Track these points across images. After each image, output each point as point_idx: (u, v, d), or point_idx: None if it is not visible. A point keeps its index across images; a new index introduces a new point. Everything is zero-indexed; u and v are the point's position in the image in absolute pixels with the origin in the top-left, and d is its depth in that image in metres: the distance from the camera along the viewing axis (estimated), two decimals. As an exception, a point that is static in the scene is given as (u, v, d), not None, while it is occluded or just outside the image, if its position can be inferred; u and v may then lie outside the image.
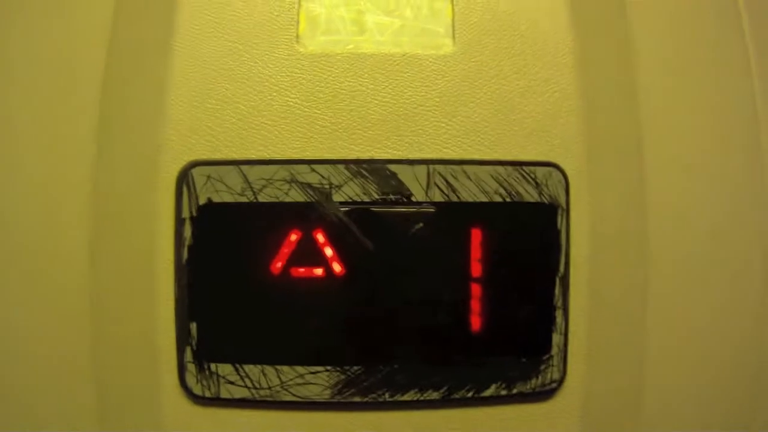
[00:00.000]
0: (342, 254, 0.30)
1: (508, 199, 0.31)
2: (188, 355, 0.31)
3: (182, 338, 0.31)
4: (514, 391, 0.31)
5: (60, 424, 0.32)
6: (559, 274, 0.31)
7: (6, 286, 0.32)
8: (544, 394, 0.31)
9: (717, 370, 0.33)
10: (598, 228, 0.31)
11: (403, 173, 0.30)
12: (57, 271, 0.32)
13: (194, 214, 0.30)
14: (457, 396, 0.31)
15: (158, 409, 0.31)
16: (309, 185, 0.30)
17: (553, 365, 0.31)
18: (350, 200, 0.30)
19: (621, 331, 0.32)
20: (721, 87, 0.34)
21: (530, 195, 0.30)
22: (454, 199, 0.30)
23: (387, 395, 0.31)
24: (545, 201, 0.31)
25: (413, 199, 0.30)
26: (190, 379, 0.31)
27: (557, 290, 0.31)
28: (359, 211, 0.30)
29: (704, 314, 0.33)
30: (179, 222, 0.31)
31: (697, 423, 0.34)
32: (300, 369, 0.31)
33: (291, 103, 0.31)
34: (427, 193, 0.30)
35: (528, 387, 0.31)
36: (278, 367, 0.31)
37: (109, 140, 0.32)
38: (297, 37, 0.31)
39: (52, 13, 0.33)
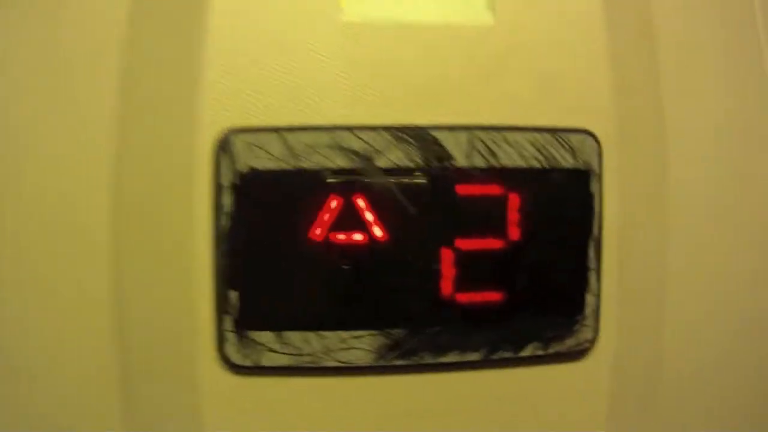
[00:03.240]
0: (383, 219, 0.31)
1: (545, 165, 0.32)
2: (227, 324, 0.31)
3: (222, 307, 0.30)
4: (550, 350, 0.32)
5: (91, 393, 0.32)
6: (593, 237, 0.32)
7: (43, 248, 0.31)
8: (578, 353, 0.32)
9: (740, 332, 0.35)
10: (626, 192, 0.33)
11: (446, 139, 0.31)
12: (88, 241, 0.31)
13: (235, 181, 0.30)
14: (495, 357, 0.32)
15: (196, 380, 0.31)
16: (353, 151, 0.30)
17: (586, 325, 0.32)
18: (393, 165, 0.31)
19: (645, 293, 0.34)
20: (735, 53, 0.36)
21: (566, 160, 0.32)
22: (495, 164, 0.31)
23: (429, 357, 0.31)
24: (580, 166, 0.32)
25: (455, 164, 0.31)
26: (230, 349, 0.31)
27: (591, 253, 0.32)
28: (402, 176, 0.31)
29: (729, 277, 0.35)
30: (218, 190, 0.30)
31: (720, 383, 0.36)
32: (343, 334, 0.31)
33: (333, 71, 0.31)
34: (468, 158, 0.31)
35: (563, 347, 0.32)
36: (321, 332, 0.31)
37: (143, 107, 0.31)
38: (339, 6, 0.31)
39: None
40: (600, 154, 0.32)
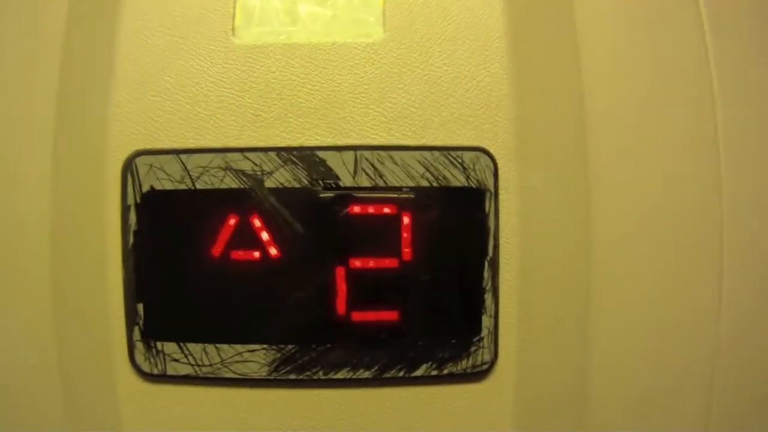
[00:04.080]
0: (277, 238, 0.31)
1: (435, 184, 0.31)
2: (136, 334, 0.33)
3: (131, 318, 0.32)
4: (445, 371, 0.32)
5: (25, 401, 0.35)
6: (488, 257, 0.31)
7: None
8: (476, 375, 0.32)
9: (657, 346, 0.33)
10: (529, 213, 0.31)
11: (331, 159, 0.31)
12: (18, 260, 0.34)
13: (138, 201, 0.32)
14: (388, 375, 0.32)
15: (113, 386, 0.33)
16: (243, 172, 0.31)
17: (483, 347, 0.32)
18: (281, 186, 0.31)
19: (555, 314, 0.33)
20: (668, 66, 0.34)
21: (457, 179, 0.31)
22: (381, 183, 0.31)
23: (321, 373, 0.32)
24: (473, 185, 0.31)
25: (341, 184, 0.31)
26: (139, 357, 0.33)
27: (486, 273, 0.31)
28: (290, 197, 0.31)
29: (648, 292, 0.33)
30: (125, 209, 0.32)
31: (645, 402, 0.34)
32: (238, 347, 0.32)
33: (226, 94, 0.32)
34: (354, 178, 0.31)
35: (459, 368, 0.32)
36: (218, 345, 0.32)
37: (64, 134, 0.34)
38: (233, 29, 0.32)
39: (11, 13, 0.35)
40: (496, 174, 0.31)
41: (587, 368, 0.33)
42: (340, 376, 0.32)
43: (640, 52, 0.33)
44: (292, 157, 0.31)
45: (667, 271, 0.33)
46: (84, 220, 0.33)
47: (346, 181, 0.31)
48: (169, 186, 0.32)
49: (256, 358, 0.32)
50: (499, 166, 0.31)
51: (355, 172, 0.31)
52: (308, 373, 0.32)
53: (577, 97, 0.33)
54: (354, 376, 0.32)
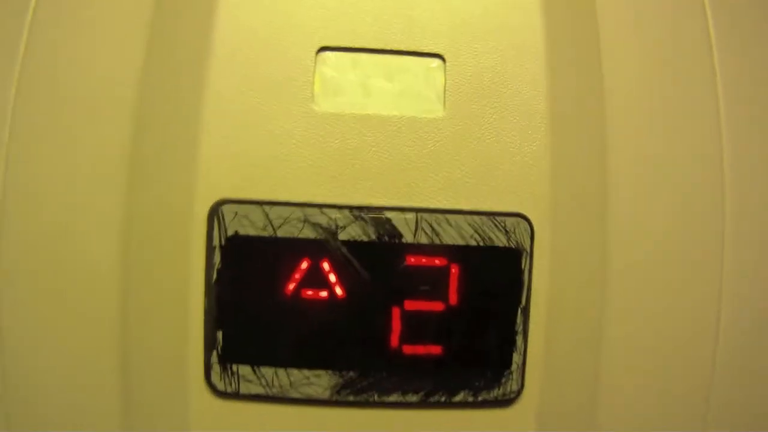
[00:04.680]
0: (343, 281, 0.37)
1: (481, 243, 0.37)
2: (214, 357, 0.38)
3: (210, 343, 0.37)
4: (480, 398, 0.38)
5: (92, 420, 0.39)
6: (521, 306, 0.37)
7: (55, 307, 0.39)
8: (505, 402, 0.38)
9: (671, 385, 0.39)
10: (557, 269, 0.37)
11: (396, 218, 0.37)
12: (95, 291, 0.38)
13: (223, 243, 0.37)
14: (432, 400, 0.38)
15: (187, 404, 0.38)
16: (319, 225, 0.37)
17: (512, 378, 0.38)
18: (352, 239, 0.37)
19: (575, 353, 0.39)
20: (690, 141, 0.40)
21: (500, 240, 0.37)
22: (437, 241, 0.37)
23: (375, 396, 0.38)
24: (512, 246, 0.37)
25: (403, 240, 0.37)
26: (215, 377, 0.38)
27: (519, 318, 0.37)
28: (359, 248, 0.37)
29: (659, 340, 0.39)
30: (210, 249, 0.37)
31: (648, 426, 0.40)
32: (306, 372, 0.38)
33: (306, 154, 0.37)
34: (415, 235, 0.37)
35: (491, 395, 0.38)
36: (288, 369, 0.38)
37: (147, 179, 0.38)
38: (312, 96, 0.37)
39: (87, 58, 0.39)
40: (532, 236, 0.37)
41: (597, 399, 0.40)
42: (391, 399, 0.38)
43: (662, 138, 0.39)
44: (362, 215, 0.37)
45: (670, 318, 0.39)
46: (167, 257, 0.38)
47: (408, 238, 0.37)
48: (252, 232, 0.37)
49: (320, 382, 0.38)
50: (535, 230, 0.37)
51: (415, 230, 0.37)
52: (365, 396, 0.38)
53: (602, 174, 0.39)
54: (403, 400, 0.38)
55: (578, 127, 0.38)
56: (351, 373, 0.37)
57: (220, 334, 0.37)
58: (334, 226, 0.37)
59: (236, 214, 0.37)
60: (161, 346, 0.38)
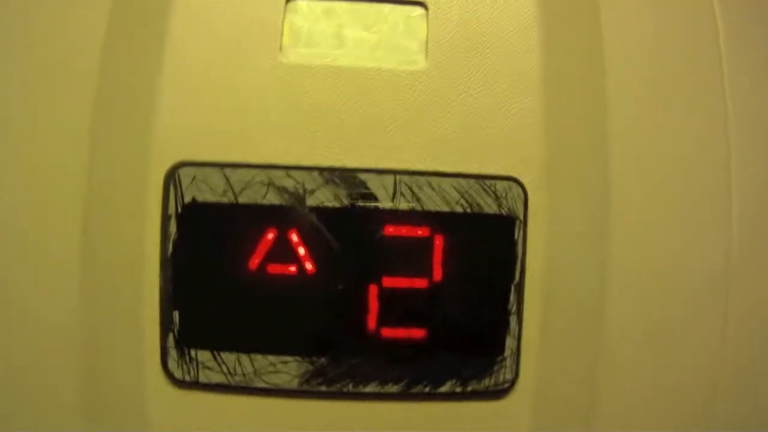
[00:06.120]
0: (313, 254, 0.33)
1: (468, 210, 0.33)
2: (170, 341, 0.33)
3: (165, 325, 0.33)
4: (469, 388, 0.33)
5: (48, 402, 0.35)
6: (514, 282, 0.33)
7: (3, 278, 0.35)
8: (498, 393, 0.33)
9: (671, 377, 0.35)
10: (554, 240, 0.33)
11: (372, 181, 0.32)
12: (50, 264, 0.35)
13: (179, 211, 0.33)
14: (415, 390, 0.33)
15: (142, 392, 0.34)
16: (285, 189, 0.33)
17: (506, 366, 0.33)
18: (322, 205, 0.32)
19: (574, 337, 0.34)
20: (693, 108, 0.36)
21: (490, 206, 0.32)
22: (418, 207, 0.32)
23: (350, 386, 0.33)
24: (503, 213, 0.33)
25: (379, 206, 0.32)
26: (172, 364, 0.34)
27: (512, 297, 0.33)
28: (329, 215, 0.32)
29: (662, 325, 0.35)
30: (165, 218, 0.33)
31: (651, 425, 0.36)
32: (271, 358, 0.33)
33: (271, 111, 0.33)
34: (393, 200, 0.32)
35: (481, 386, 0.33)
36: (252, 355, 0.33)
37: (104, 141, 0.35)
38: (280, 47, 0.33)
39: (51, 17, 0.36)
40: (526, 202, 0.33)
41: (597, 388, 0.35)
42: (368, 389, 0.33)
43: (664, 97, 0.35)
44: (333, 177, 0.33)
45: (678, 299, 0.35)
46: (122, 226, 0.34)
47: (385, 203, 0.32)
48: (211, 198, 0.33)
49: (288, 370, 0.33)
50: (529, 195, 0.33)
51: (393, 195, 0.32)
52: (338, 385, 0.33)
53: (602, 131, 0.35)
54: (382, 391, 0.33)
55: (575, 81, 0.34)
56: (322, 360, 0.33)
57: (176, 315, 0.33)
58: (301, 190, 0.33)
59: (194, 178, 0.33)
60: (117, 330, 0.34)
